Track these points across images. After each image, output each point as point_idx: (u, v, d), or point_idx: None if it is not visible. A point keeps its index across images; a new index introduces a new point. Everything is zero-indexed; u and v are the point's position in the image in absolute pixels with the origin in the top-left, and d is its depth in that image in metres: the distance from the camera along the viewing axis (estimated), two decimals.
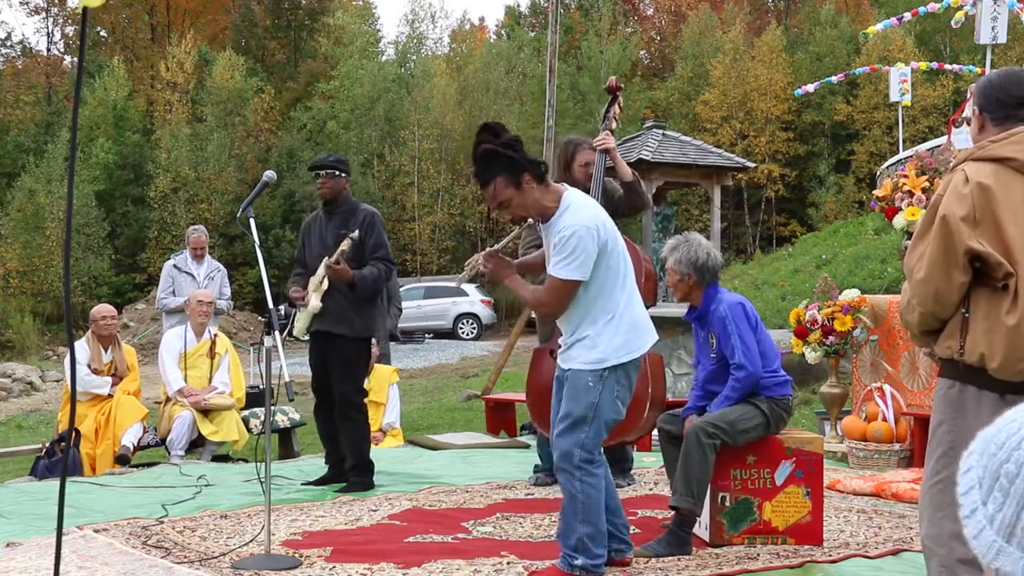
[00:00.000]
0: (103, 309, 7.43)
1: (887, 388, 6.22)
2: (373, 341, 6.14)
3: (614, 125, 5.61)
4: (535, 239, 5.51)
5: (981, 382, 2.66)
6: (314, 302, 5.52)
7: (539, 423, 5.47)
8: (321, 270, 5.55)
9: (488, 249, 3.86)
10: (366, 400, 7.62)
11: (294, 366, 5.21)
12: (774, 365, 4.31)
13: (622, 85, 5.84)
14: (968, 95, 3.01)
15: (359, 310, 5.62)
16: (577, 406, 3.62)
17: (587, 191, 5.50)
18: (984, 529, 1.11)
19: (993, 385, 2.64)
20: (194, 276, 8.21)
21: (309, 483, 5.75)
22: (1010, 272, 2.60)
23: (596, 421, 3.63)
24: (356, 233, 5.46)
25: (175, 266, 8.31)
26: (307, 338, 5.79)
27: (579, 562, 3.60)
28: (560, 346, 3.83)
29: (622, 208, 5.49)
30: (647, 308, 5.60)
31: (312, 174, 5.88)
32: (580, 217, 3.57)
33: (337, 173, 5.68)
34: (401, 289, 28.64)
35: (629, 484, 5.56)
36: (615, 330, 3.62)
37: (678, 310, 8.95)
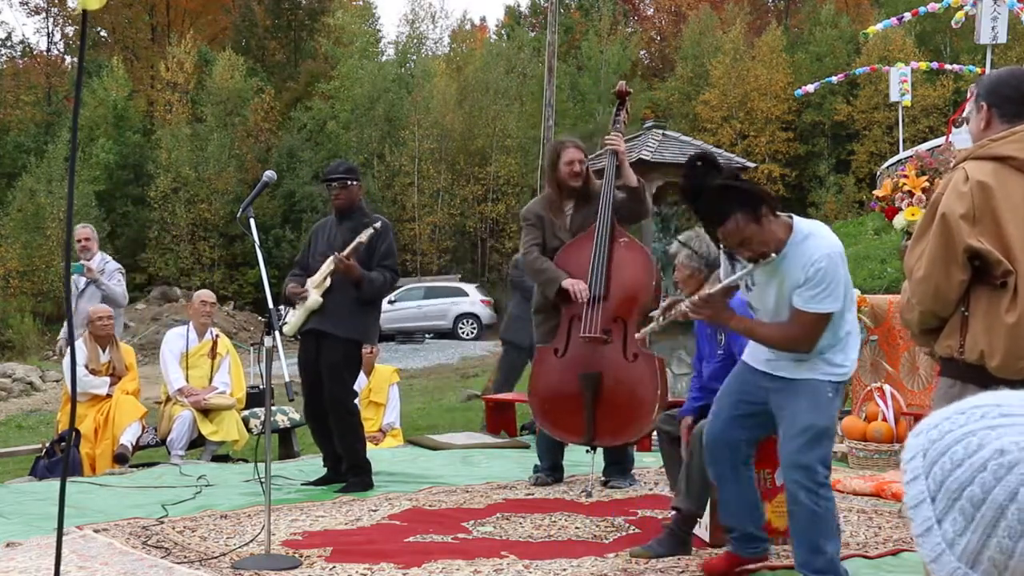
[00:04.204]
0: (99, 309, 7.43)
1: (887, 388, 6.22)
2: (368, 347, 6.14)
3: (623, 129, 5.61)
4: (536, 239, 5.52)
5: (982, 381, 2.65)
6: (315, 297, 5.50)
7: (544, 422, 5.45)
8: (324, 267, 5.53)
9: (701, 294, 3.55)
10: (368, 400, 7.69)
11: (294, 366, 5.21)
12: None
13: (631, 90, 5.83)
14: (969, 94, 2.99)
15: (357, 313, 5.58)
16: (821, 418, 3.40)
17: (573, 190, 5.52)
18: (943, 553, 1.04)
19: (994, 384, 2.64)
20: (83, 275, 7.63)
21: (309, 483, 5.75)
22: (1009, 270, 2.60)
23: (832, 435, 3.48)
24: (379, 224, 5.46)
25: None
26: (297, 337, 5.76)
27: None
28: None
29: (623, 214, 5.45)
30: (653, 310, 5.63)
31: (318, 180, 5.91)
32: (828, 244, 3.34)
33: (349, 183, 5.68)
34: (401, 289, 28.67)
35: (630, 485, 5.56)
36: (854, 343, 3.48)
37: None
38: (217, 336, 7.49)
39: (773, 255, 3.29)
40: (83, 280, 7.63)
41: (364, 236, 5.39)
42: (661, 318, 3.61)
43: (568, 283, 5.27)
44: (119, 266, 8.07)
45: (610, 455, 5.61)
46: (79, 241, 7.86)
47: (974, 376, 2.67)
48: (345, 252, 5.39)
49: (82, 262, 7.66)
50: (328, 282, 5.51)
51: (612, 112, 5.72)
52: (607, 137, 5.52)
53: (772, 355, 3.53)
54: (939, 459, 1.06)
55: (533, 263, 5.46)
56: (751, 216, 3.24)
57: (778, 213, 3.35)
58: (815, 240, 3.33)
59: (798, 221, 3.39)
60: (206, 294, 7.74)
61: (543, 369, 5.42)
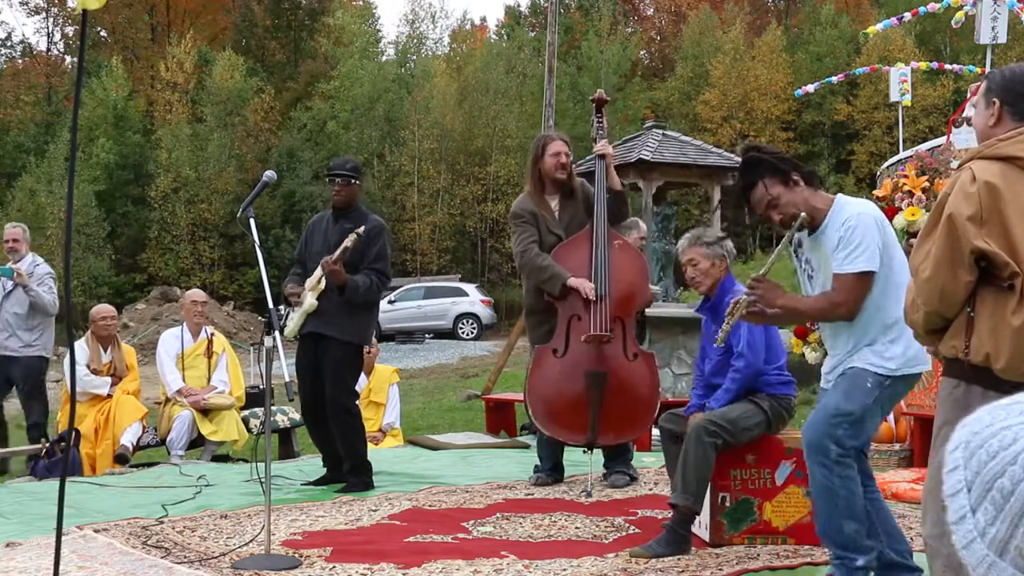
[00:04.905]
0: (103, 309, 7.44)
1: None
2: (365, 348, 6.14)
3: (606, 134, 5.70)
4: (532, 236, 5.52)
5: (986, 382, 2.64)
6: (310, 300, 5.51)
7: (546, 423, 5.44)
8: (320, 269, 5.54)
9: (753, 275, 3.57)
10: (368, 400, 7.68)
11: (294, 366, 5.22)
12: (780, 361, 4.30)
13: (608, 98, 5.96)
14: (969, 94, 2.99)
15: (353, 315, 5.58)
16: (848, 402, 3.36)
17: (556, 183, 5.55)
18: (975, 541, 1.09)
19: (998, 385, 2.62)
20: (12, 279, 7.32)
21: (309, 483, 5.75)
22: (1016, 272, 2.58)
23: (858, 424, 3.38)
24: (363, 229, 5.44)
25: None
26: (296, 340, 5.76)
27: (861, 562, 3.37)
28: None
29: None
30: (645, 305, 5.68)
31: (322, 177, 5.91)
32: (859, 207, 3.41)
33: (352, 181, 5.68)
34: (401, 289, 28.56)
35: (632, 479, 5.58)
36: (909, 338, 3.26)
37: (677, 310, 8.96)
38: (212, 335, 7.49)
39: (803, 214, 3.38)
40: (10, 283, 7.28)
41: (349, 242, 5.37)
42: (730, 318, 3.64)
43: (574, 282, 5.28)
44: (50, 271, 7.58)
45: (610, 449, 5.62)
46: (7, 242, 7.48)
47: (979, 378, 2.65)
48: (333, 257, 5.39)
49: (10, 265, 7.31)
50: (323, 284, 5.51)
51: (593, 120, 5.76)
52: (596, 145, 5.57)
53: (828, 366, 3.52)
54: (977, 451, 1.11)
55: (534, 260, 5.44)
56: (777, 180, 3.42)
57: (821, 191, 3.48)
58: (849, 205, 3.42)
59: (840, 196, 3.50)
60: (196, 294, 7.73)
61: (544, 370, 5.41)
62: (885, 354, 3.37)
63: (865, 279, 3.33)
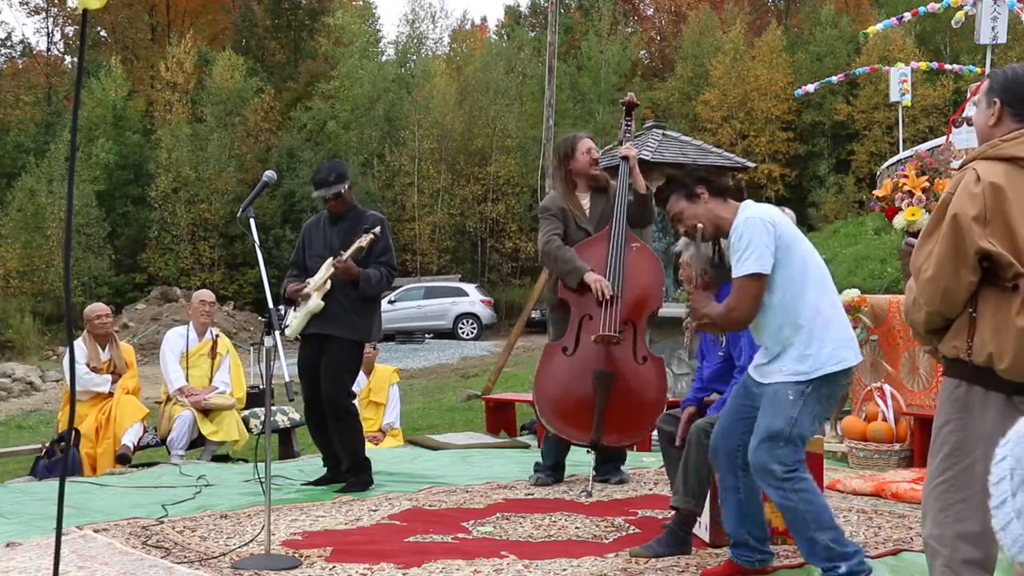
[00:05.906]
0: (97, 308, 7.43)
1: (887, 388, 6.21)
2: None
3: (632, 138, 5.71)
4: (557, 228, 5.52)
5: (988, 382, 2.64)
6: (316, 300, 5.51)
7: (552, 421, 5.42)
8: (323, 270, 5.54)
9: (689, 288, 3.74)
10: (368, 400, 7.69)
11: (294, 366, 5.22)
12: None
13: (639, 102, 5.99)
14: (969, 94, 2.99)
15: (358, 313, 5.59)
16: (775, 420, 3.44)
17: (589, 179, 5.57)
18: (1011, 522, 1.14)
19: (1001, 386, 2.62)
20: None
21: (309, 483, 5.75)
22: (1020, 272, 2.57)
23: (794, 438, 3.45)
24: (378, 229, 5.46)
25: None
26: (297, 340, 5.76)
27: (843, 570, 3.41)
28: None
29: (628, 218, 5.51)
30: (657, 310, 5.67)
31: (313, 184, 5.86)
32: (751, 211, 3.50)
33: (342, 191, 5.65)
34: (401, 289, 28.55)
35: (623, 479, 5.58)
36: (822, 337, 3.41)
37: (678, 310, 8.95)
38: (217, 336, 7.49)
39: (700, 226, 3.58)
40: None
41: (365, 242, 5.40)
42: (688, 327, 3.79)
43: (592, 278, 5.29)
44: None
45: (606, 452, 5.61)
46: None
47: (981, 378, 2.65)
48: (346, 256, 5.40)
49: None
50: (328, 285, 5.51)
51: (622, 123, 5.77)
52: (622, 147, 5.59)
53: (759, 359, 3.61)
54: (1021, 441, 1.19)
55: (557, 251, 5.43)
56: (683, 194, 3.65)
57: (731, 202, 3.64)
58: (744, 211, 3.55)
59: (744, 204, 3.63)
60: (205, 294, 7.74)
61: (553, 367, 5.41)
62: (800, 358, 3.44)
63: (754, 281, 3.42)
